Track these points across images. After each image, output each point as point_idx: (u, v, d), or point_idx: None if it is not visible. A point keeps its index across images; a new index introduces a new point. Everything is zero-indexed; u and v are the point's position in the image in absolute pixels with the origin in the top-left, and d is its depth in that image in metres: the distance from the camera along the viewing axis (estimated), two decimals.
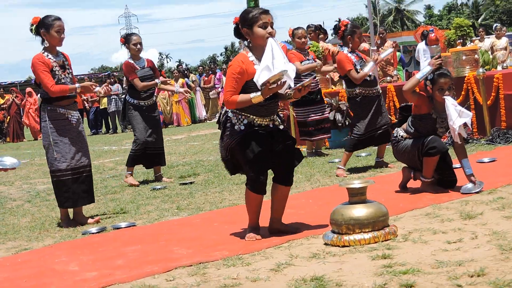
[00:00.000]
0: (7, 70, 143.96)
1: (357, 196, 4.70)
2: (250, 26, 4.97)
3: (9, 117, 24.80)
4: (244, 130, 4.96)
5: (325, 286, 3.65)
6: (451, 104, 6.00)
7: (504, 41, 18.19)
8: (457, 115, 5.97)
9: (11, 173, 12.31)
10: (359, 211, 4.60)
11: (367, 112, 7.91)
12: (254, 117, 4.99)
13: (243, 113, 4.98)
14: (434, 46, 6.04)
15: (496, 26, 19.48)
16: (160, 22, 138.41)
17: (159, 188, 8.27)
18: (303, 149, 10.76)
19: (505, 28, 20.09)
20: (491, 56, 17.01)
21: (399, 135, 6.38)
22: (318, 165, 8.79)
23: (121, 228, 6.13)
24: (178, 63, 71.59)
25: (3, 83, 40.25)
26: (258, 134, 4.97)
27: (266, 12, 4.99)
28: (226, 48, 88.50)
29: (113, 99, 23.76)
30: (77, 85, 6.55)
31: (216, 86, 25.06)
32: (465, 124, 6.07)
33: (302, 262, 4.23)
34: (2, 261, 5.20)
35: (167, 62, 75.56)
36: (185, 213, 6.53)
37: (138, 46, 8.91)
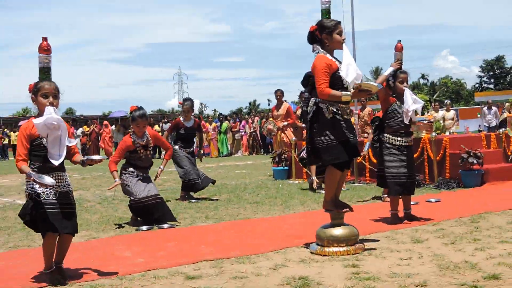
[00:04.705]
0: (89, 106, 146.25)
1: (337, 220, 4.70)
2: (330, 33, 4.63)
3: (90, 142, 25.01)
4: (333, 119, 4.56)
5: (309, 284, 3.63)
6: (409, 94, 5.88)
7: (451, 113, 18.20)
8: (412, 102, 5.82)
9: (88, 181, 12.38)
10: (337, 231, 4.59)
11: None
12: (340, 105, 4.59)
13: (333, 101, 4.57)
14: (398, 52, 5.98)
15: (447, 102, 19.50)
16: (203, 80, 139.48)
17: (194, 202, 8.26)
18: (301, 181, 10.72)
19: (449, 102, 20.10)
20: (442, 124, 16.95)
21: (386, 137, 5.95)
22: (310, 194, 8.75)
23: (164, 228, 6.14)
24: (213, 111, 72.69)
25: (88, 116, 40.64)
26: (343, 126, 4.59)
27: (340, 23, 4.70)
28: (250, 103, 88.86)
29: None
30: (116, 179, 6.15)
31: (241, 130, 25.13)
32: (416, 112, 5.82)
33: (293, 264, 4.22)
34: (77, 245, 5.21)
35: (205, 109, 77.40)
36: (211, 221, 6.52)
37: (185, 112, 8.57)
